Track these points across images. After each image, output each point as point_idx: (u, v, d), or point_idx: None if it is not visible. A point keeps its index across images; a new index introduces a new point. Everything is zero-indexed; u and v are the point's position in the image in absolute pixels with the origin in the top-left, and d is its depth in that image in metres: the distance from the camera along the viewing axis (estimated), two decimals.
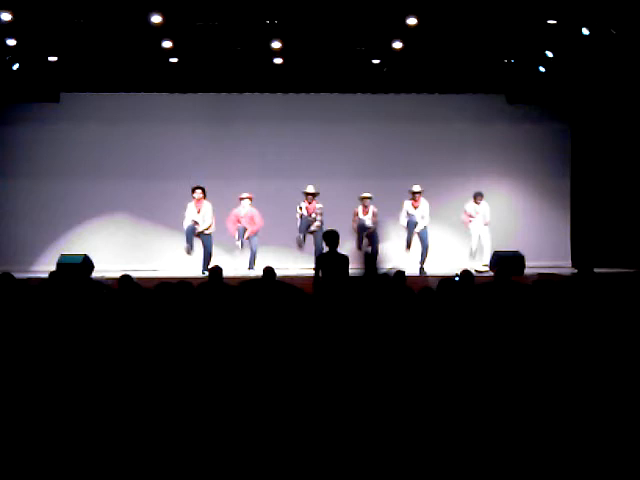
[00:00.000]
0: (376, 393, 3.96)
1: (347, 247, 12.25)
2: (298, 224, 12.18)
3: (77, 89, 13.84)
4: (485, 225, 12.86)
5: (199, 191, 12.18)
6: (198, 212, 12.17)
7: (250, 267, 12.28)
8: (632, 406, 3.86)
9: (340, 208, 12.28)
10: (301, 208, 12.21)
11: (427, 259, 12.46)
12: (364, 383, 4.05)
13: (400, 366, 4.34)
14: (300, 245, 12.15)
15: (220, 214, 12.34)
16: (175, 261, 13.09)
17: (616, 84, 12.71)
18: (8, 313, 5.73)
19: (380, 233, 12.19)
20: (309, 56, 13.04)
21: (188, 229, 12.21)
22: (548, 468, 3.47)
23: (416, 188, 12.43)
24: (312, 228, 12.12)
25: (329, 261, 8.10)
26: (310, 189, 12.23)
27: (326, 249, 8.34)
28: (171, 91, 14.03)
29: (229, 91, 14.14)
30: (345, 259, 8.06)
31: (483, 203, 12.94)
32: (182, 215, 12.28)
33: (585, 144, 14.38)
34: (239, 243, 12.32)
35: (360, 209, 12.37)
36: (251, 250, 12.38)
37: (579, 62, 12.78)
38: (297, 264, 12.60)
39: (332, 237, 8.22)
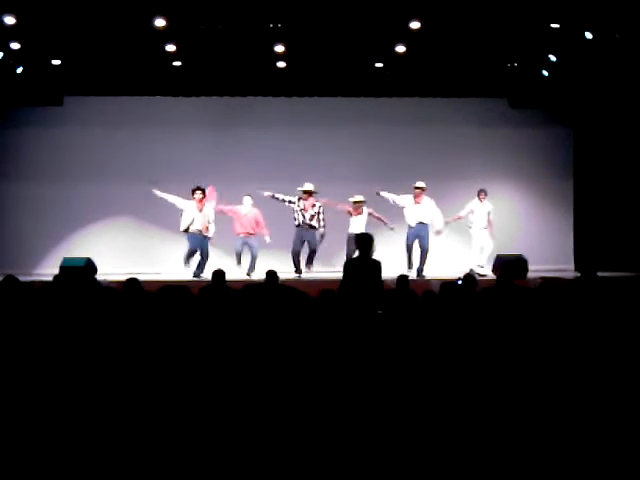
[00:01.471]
0: (380, 397, 3.96)
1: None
2: (293, 214, 12.12)
3: (80, 93, 13.88)
4: (485, 228, 12.88)
5: (199, 192, 12.16)
6: (200, 211, 12.13)
7: (249, 272, 12.21)
8: (636, 409, 3.86)
9: (344, 212, 12.25)
10: (300, 199, 12.14)
11: (427, 262, 12.41)
12: (368, 387, 4.05)
13: (403, 370, 4.34)
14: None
15: (223, 217, 12.33)
16: (178, 264, 13.07)
17: (619, 88, 12.71)
18: (12, 315, 5.74)
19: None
20: (312, 60, 13.06)
21: (189, 256, 12.13)
22: (549, 469, 3.47)
23: (419, 184, 12.30)
24: (313, 223, 12.11)
25: (359, 266, 7.36)
26: (309, 187, 12.21)
27: (357, 253, 7.55)
28: (174, 95, 14.06)
29: (232, 95, 14.16)
30: (376, 264, 7.34)
31: (486, 202, 12.92)
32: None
33: (588, 148, 14.40)
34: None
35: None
36: (251, 254, 12.34)
37: (582, 66, 12.78)
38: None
39: (365, 241, 7.41)
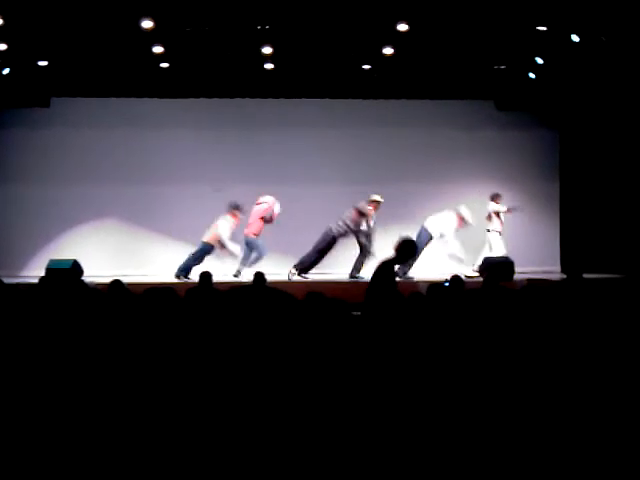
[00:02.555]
0: (365, 399, 3.97)
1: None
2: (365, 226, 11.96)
3: (67, 94, 13.82)
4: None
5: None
6: None
7: (238, 274, 12.17)
8: (621, 410, 3.88)
9: (330, 213, 12.20)
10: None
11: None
12: (354, 389, 4.06)
13: (389, 371, 4.35)
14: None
15: (212, 220, 12.28)
16: (166, 267, 13.04)
17: (605, 91, 12.77)
18: None
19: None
20: (300, 61, 13.06)
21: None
22: (538, 470, 3.49)
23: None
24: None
25: (386, 271, 6.68)
26: (376, 197, 12.11)
27: (389, 255, 6.79)
28: (162, 96, 14.02)
29: (220, 96, 14.13)
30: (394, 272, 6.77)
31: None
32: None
33: (574, 150, 14.46)
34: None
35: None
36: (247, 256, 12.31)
37: (569, 69, 12.84)
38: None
39: (406, 248, 6.79)
